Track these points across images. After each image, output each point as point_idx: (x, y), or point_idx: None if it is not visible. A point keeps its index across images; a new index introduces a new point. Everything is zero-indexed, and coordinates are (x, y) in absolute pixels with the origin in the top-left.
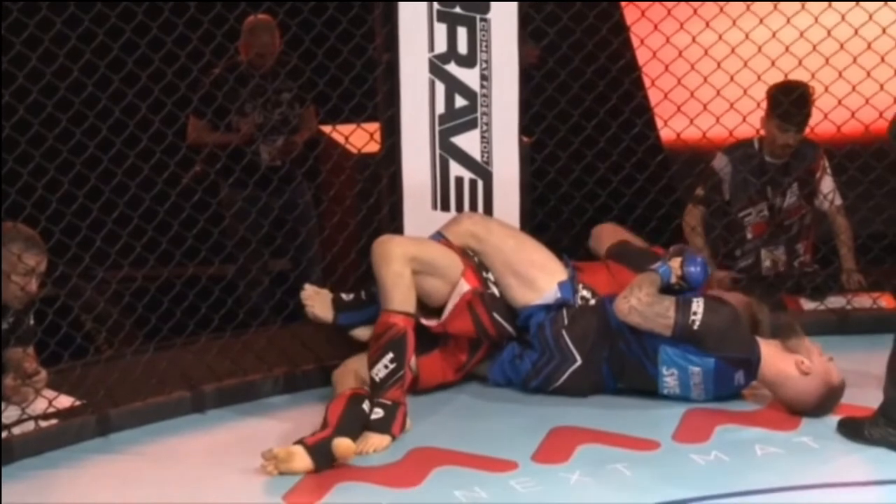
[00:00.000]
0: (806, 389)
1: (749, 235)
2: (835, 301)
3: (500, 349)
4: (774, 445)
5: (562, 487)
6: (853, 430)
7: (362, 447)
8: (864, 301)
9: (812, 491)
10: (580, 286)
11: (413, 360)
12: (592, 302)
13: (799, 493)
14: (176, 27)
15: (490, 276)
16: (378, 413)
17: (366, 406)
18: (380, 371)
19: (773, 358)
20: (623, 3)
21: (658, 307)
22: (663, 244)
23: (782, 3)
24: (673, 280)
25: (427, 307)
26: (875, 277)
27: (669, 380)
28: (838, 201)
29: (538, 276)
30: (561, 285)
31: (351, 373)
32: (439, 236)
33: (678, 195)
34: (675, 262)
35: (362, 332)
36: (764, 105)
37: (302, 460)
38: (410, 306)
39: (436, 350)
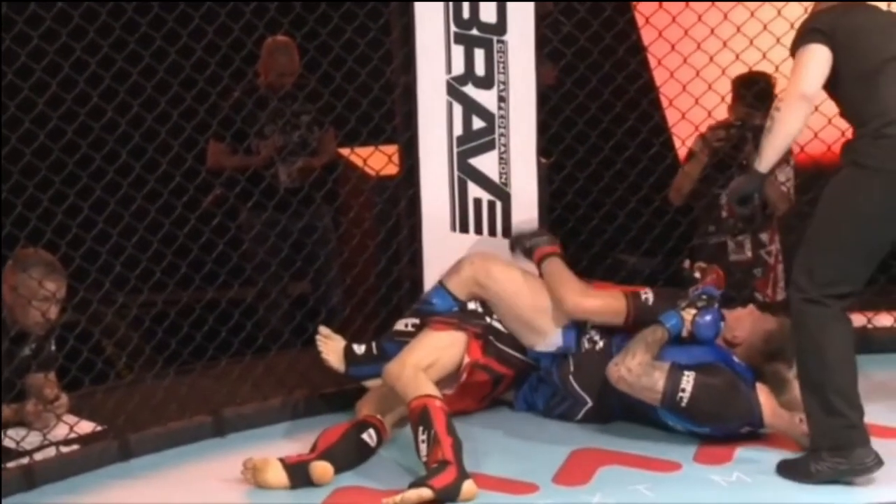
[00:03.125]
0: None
1: (724, 214)
2: (854, 320)
3: (523, 379)
4: None
5: None
6: (797, 470)
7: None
8: (884, 320)
9: None
10: (588, 326)
11: (445, 425)
12: (601, 345)
13: None
14: (194, 52)
15: (496, 317)
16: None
17: (367, 436)
18: (421, 450)
19: (775, 415)
20: (640, 24)
21: (647, 380)
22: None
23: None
24: (684, 333)
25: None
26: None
27: (678, 428)
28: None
29: (541, 322)
30: (564, 330)
31: (370, 400)
32: (440, 287)
33: (696, 214)
34: (689, 315)
35: (374, 383)
36: None
37: (276, 474)
38: (426, 389)
39: (456, 385)
